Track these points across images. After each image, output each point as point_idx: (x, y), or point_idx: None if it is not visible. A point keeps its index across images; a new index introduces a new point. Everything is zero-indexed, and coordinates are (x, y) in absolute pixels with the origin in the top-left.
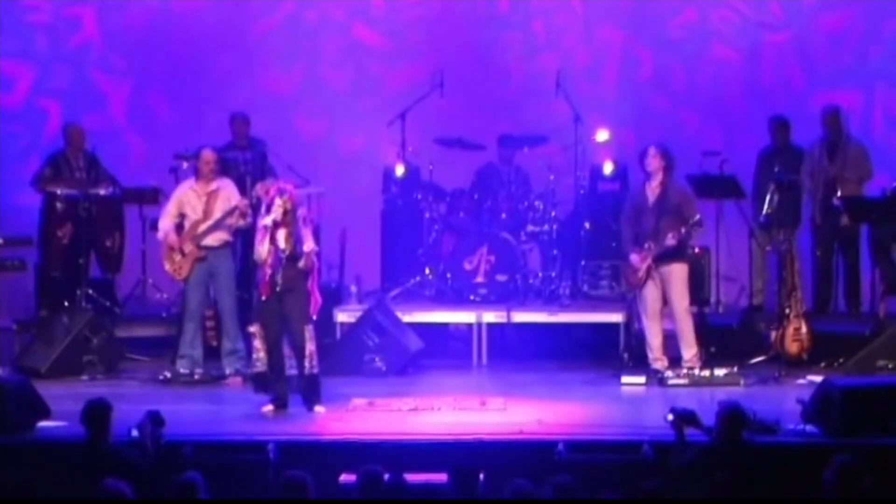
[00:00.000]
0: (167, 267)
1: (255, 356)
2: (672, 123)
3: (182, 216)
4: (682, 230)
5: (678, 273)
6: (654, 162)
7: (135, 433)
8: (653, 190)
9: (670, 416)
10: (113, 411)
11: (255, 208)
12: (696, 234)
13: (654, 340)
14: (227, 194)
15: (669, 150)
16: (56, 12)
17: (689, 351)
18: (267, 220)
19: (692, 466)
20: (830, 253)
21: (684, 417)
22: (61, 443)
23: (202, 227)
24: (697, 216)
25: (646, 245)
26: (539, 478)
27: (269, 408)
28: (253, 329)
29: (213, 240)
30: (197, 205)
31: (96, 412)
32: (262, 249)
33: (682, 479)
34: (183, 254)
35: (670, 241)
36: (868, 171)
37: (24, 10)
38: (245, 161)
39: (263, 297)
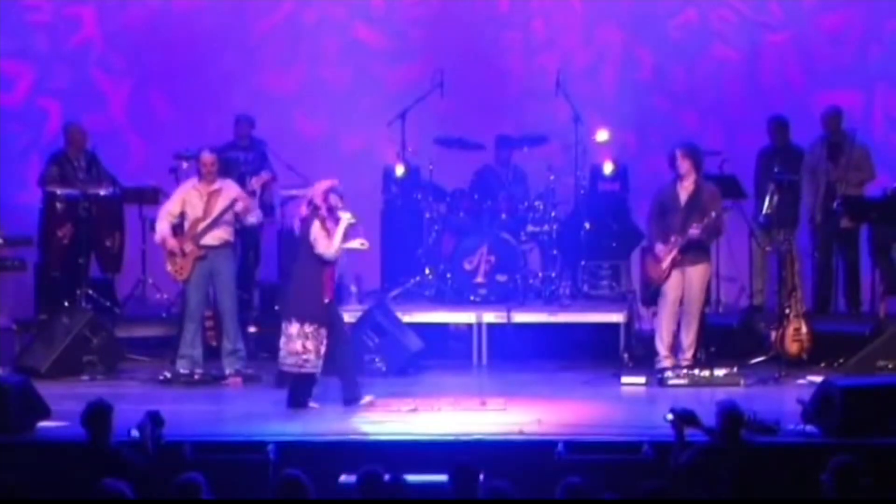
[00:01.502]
0: (169, 268)
1: (304, 357)
2: (672, 123)
3: (182, 215)
4: (706, 220)
5: (702, 273)
6: (684, 164)
7: (135, 433)
8: (685, 188)
9: (670, 416)
10: (113, 413)
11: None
12: (722, 227)
13: (667, 338)
14: (229, 194)
15: (695, 147)
16: (56, 12)
17: (690, 350)
18: (351, 218)
19: (692, 465)
20: (830, 253)
21: (684, 418)
22: (61, 443)
23: (201, 226)
24: (719, 210)
25: (672, 238)
26: (539, 478)
27: (315, 405)
28: (308, 329)
29: (213, 239)
30: (198, 204)
31: (96, 414)
32: (338, 246)
33: (682, 478)
34: (184, 254)
35: (693, 230)
36: (871, 173)
37: (24, 10)
38: (246, 161)
39: (328, 300)
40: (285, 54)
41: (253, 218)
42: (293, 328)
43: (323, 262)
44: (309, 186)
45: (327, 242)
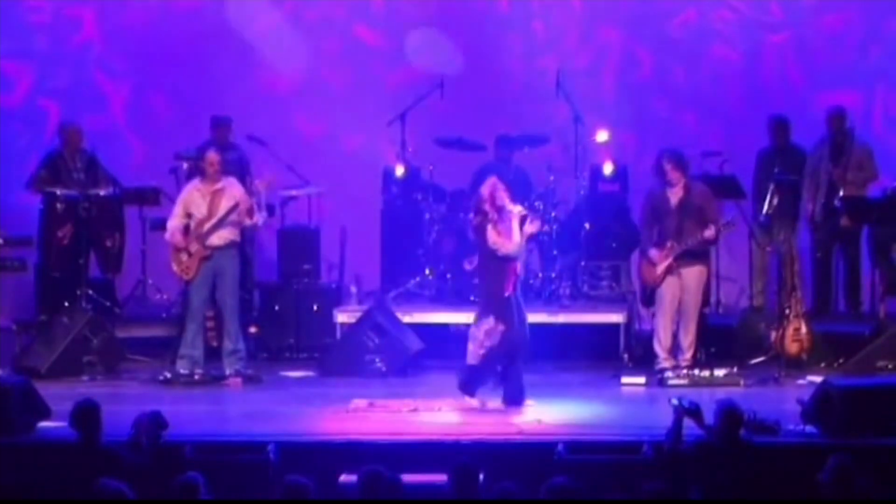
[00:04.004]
0: (175, 268)
1: (481, 352)
2: (672, 124)
3: (189, 216)
4: (721, 224)
5: (698, 275)
6: (673, 175)
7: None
8: (675, 193)
9: (675, 401)
10: (101, 411)
11: (258, 205)
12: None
13: (667, 340)
14: (232, 193)
15: (679, 153)
16: (56, 12)
17: (689, 350)
18: (522, 211)
19: (688, 457)
20: (830, 253)
21: (689, 409)
22: (61, 443)
23: (206, 226)
24: (729, 218)
25: (668, 244)
26: (539, 479)
27: (487, 401)
28: (486, 326)
29: (218, 239)
30: (201, 204)
31: (85, 413)
32: (518, 241)
33: (678, 471)
34: (189, 254)
35: (709, 232)
36: (873, 173)
37: (24, 11)
38: (227, 161)
39: (508, 293)
40: (285, 54)
41: (257, 220)
42: (486, 325)
43: (507, 259)
44: (308, 186)
45: (508, 243)
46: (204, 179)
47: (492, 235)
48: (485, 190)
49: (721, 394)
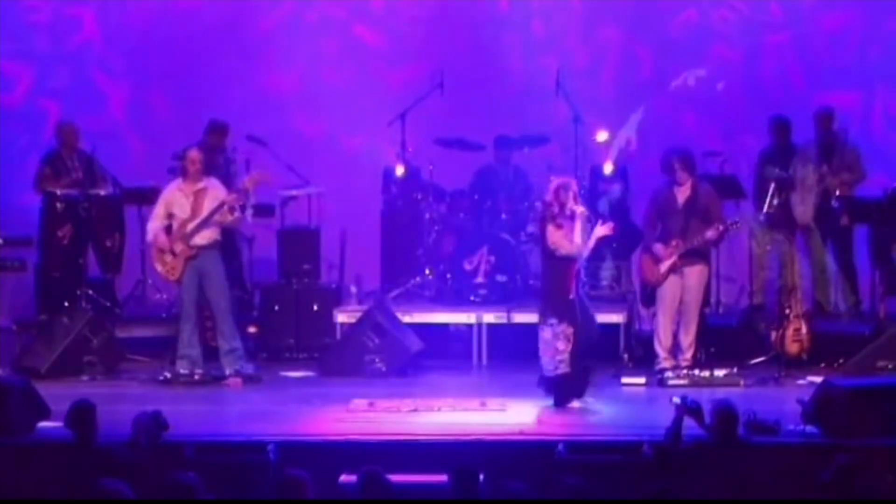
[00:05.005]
0: (159, 269)
1: (559, 359)
2: (672, 124)
3: (171, 217)
4: (729, 223)
5: (700, 274)
6: (681, 175)
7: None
8: (682, 192)
9: (676, 400)
10: (97, 410)
11: (242, 205)
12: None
13: (667, 340)
14: (215, 193)
15: (688, 154)
16: (56, 12)
17: (689, 350)
18: (585, 211)
19: (688, 457)
20: (825, 253)
21: (690, 408)
22: (61, 443)
23: (191, 226)
24: (737, 219)
25: (673, 242)
26: (539, 478)
27: (577, 403)
28: (559, 329)
29: (201, 239)
30: (185, 204)
31: (81, 413)
32: (581, 242)
33: (678, 471)
34: (174, 254)
35: (711, 233)
36: (862, 174)
37: (24, 10)
38: (212, 164)
39: (572, 296)
40: (285, 54)
41: (239, 216)
42: (547, 332)
43: (568, 259)
44: (308, 186)
45: (568, 244)
46: (186, 179)
47: (551, 235)
48: (552, 184)
49: (721, 394)
